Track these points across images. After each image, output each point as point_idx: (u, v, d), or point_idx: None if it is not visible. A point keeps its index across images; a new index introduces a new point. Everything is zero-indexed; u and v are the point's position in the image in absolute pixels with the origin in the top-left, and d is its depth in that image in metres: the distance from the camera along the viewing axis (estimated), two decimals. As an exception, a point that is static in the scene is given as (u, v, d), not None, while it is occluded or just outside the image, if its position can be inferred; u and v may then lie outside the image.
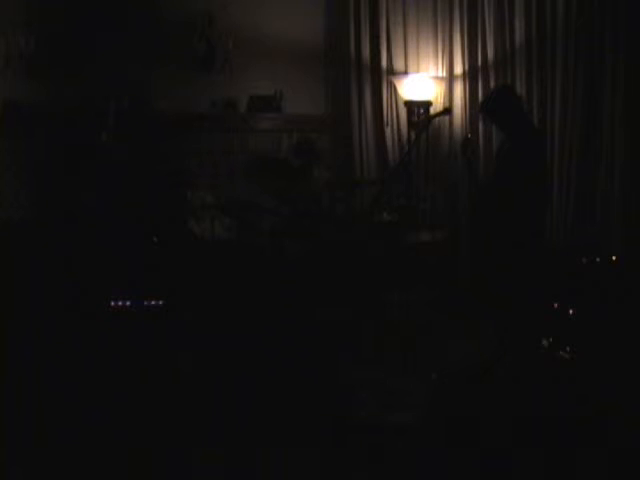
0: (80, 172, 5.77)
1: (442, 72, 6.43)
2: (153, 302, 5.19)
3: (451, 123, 6.34)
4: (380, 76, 6.53)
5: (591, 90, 5.48)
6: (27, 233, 5.48)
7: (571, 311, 4.63)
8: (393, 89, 6.50)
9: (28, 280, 5.15)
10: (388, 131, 6.55)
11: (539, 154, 4.56)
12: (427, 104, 6.25)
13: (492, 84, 6.10)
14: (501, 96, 4.70)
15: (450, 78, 6.40)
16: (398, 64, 6.51)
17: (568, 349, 4.40)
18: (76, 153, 5.84)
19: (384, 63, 6.52)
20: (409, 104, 6.31)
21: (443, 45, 6.43)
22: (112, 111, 5.93)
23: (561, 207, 5.66)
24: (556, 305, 4.70)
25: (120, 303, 5.16)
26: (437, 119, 5.90)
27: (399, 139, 6.54)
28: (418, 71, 6.43)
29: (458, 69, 6.36)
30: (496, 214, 4.54)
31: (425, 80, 6.25)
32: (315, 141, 5.84)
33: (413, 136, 6.19)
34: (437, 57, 6.46)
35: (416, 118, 6.23)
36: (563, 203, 5.65)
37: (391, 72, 6.50)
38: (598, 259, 4.87)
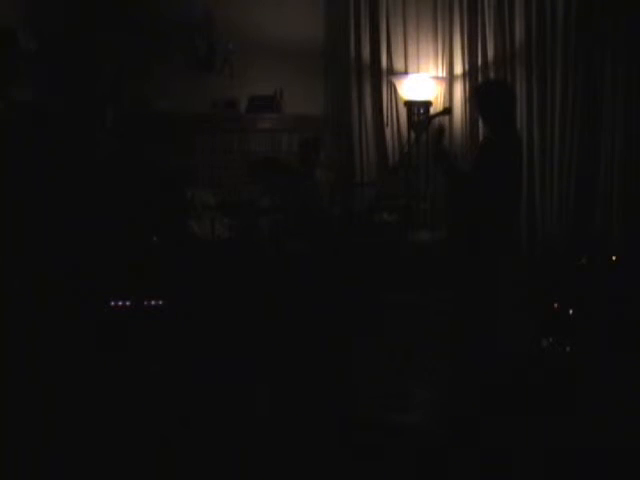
0: (79, 172, 5.77)
1: (442, 72, 6.43)
2: (153, 302, 5.19)
3: (451, 123, 6.33)
4: (380, 76, 6.53)
5: (591, 90, 5.48)
6: (27, 233, 5.48)
7: (571, 311, 4.63)
8: (393, 89, 6.50)
9: (28, 280, 5.15)
10: (388, 131, 6.56)
11: (516, 157, 4.44)
12: (427, 104, 6.26)
13: (492, 84, 6.10)
14: (495, 90, 4.57)
15: (450, 78, 6.40)
16: (398, 64, 6.51)
17: (568, 349, 4.40)
18: (74, 153, 5.84)
19: (384, 63, 6.53)
20: (409, 104, 6.31)
21: (443, 45, 6.44)
22: (111, 111, 5.94)
23: (561, 207, 5.66)
24: (556, 305, 4.70)
25: (120, 303, 5.16)
26: (437, 119, 5.90)
27: (399, 139, 6.54)
28: (418, 71, 6.43)
29: (458, 69, 6.36)
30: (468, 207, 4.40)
31: (425, 80, 6.26)
32: (319, 141, 5.84)
33: (413, 136, 6.19)
34: (437, 57, 6.47)
35: (416, 118, 6.24)
36: (563, 203, 5.65)
37: (391, 72, 6.51)
38: (598, 259, 4.87)
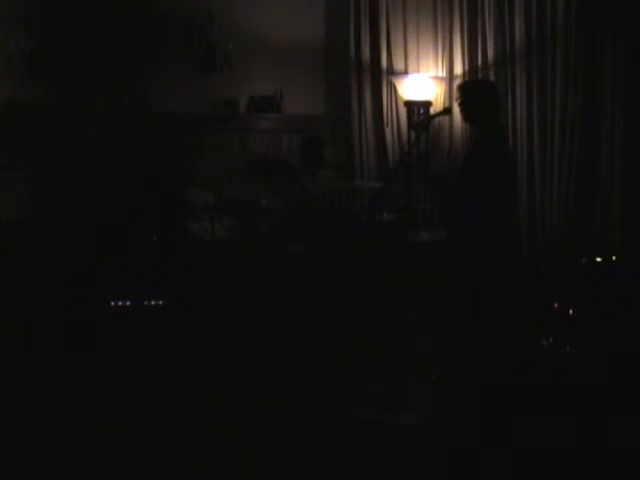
0: (78, 172, 5.77)
1: (442, 72, 6.43)
2: (153, 302, 5.19)
3: (451, 123, 6.33)
4: (380, 76, 6.53)
5: (591, 90, 5.48)
6: (27, 233, 5.48)
7: (571, 311, 4.63)
8: (393, 89, 6.50)
9: (28, 280, 5.15)
10: (388, 131, 6.55)
11: (504, 159, 4.42)
12: (427, 104, 6.25)
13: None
14: (477, 89, 4.52)
15: (450, 78, 6.40)
16: (398, 64, 6.51)
17: (568, 349, 4.40)
18: (74, 152, 5.84)
19: (384, 63, 6.52)
20: (409, 104, 6.31)
21: (443, 45, 6.43)
22: (110, 110, 5.94)
23: (561, 207, 5.66)
24: (556, 305, 4.70)
25: (120, 303, 5.17)
26: (437, 119, 5.90)
27: (399, 139, 6.53)
28: (418, 71, 6.43)
29: (458, 69, 6.36)
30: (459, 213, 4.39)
31: (425, 80, 6.25)
32: (321, 141, 5.84)
33: (413, 136, 6.19)
34: (437, 57, 6.46)
35: (416, 118, 6.23)
36: (563, 203, 5.65)
37: (391, 72, 6.50)
38: (598, 259, 4.88)
